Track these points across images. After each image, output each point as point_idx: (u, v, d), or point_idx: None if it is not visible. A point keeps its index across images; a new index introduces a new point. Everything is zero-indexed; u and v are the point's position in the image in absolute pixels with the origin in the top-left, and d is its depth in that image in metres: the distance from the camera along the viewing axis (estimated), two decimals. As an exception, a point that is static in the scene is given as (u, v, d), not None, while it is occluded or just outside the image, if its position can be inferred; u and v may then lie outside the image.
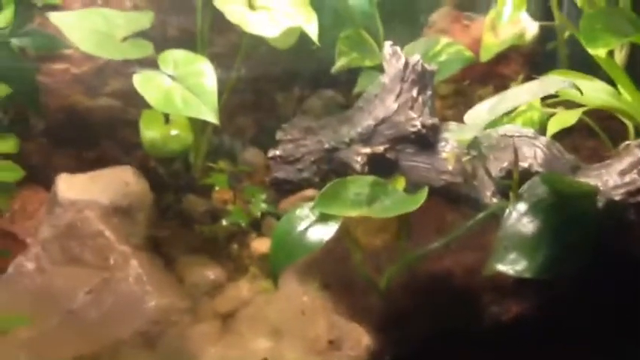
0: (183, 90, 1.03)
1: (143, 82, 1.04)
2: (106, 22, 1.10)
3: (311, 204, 0.88)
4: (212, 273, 1.12)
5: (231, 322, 1.04)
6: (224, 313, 1.06)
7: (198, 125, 1.20)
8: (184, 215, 1.21)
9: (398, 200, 0.88)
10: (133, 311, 1.03)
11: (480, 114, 0.90)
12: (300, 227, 0.86)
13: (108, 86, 1.26)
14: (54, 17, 1.07)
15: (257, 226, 1.17)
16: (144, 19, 1.13)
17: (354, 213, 0.86)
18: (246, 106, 1.35)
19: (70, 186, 1.13)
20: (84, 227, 1.08)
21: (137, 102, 1.25)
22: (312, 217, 0.86)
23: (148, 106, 1.15)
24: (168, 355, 1.01)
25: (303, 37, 1.16)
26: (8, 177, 1.13)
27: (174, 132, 1.17)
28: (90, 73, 1.24)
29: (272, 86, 1.38)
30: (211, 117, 1.01)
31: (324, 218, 0.86)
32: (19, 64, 1.14)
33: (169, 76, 1.05)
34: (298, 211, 0.88)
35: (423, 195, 0.87)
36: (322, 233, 0.85)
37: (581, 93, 0.87)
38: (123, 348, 1.00)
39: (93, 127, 1.26)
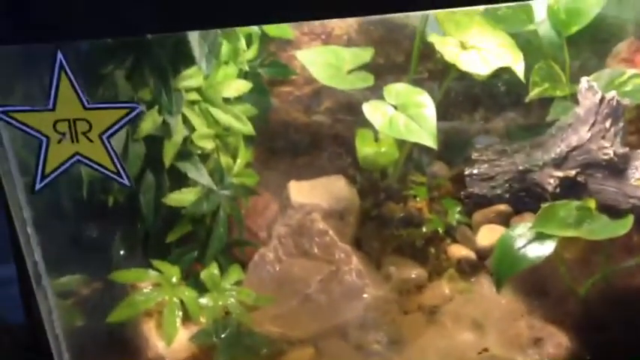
0: (405, 118, 1.23)
1: (371, 110, 1.25)
2: (336, 57, 1.32)
3: (526, 224, 1.05)
4: (414, 272, 1.31)
5: (436, 316, 1.23)
6: (429, 308, 1.25)
7: (399, 143, 1.40)
8: (383, 220, 1.42)
9: (605, 224, 1.02)
10: (354, 299, 1.24)
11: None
12: (520, 244, 1.03)
13: (322, 106, 1.49)
14: (300, 55, 1.30)
15: (451, 234, 1.36)
16: (365, 55, 1.33)
17: (567, 233, 1.01)
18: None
19: (298, 191, 1.36)
20: (312, 227, 1.30)
21: (343, 119, 1.48)
22: (530, 236, 1.03)
23: (353, 123, 1.38)
24: (383, 339, 1.21)
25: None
26: (250, 181, 1.38)
27: (383, 149, 1.37)
28: (309, 94, 1.47)
29: (458, 108, 1.55)
30: (430, 142, 1.20)
31: (540, 237, 1.02)
32: (263, 88, 1.39)
33: (392, 105, 1.25)
34: (517, 230, 1.04)
35: (629, 221, 1.01)
36: (541, 250, 1.01)
37: None
38: (347, 329, 1.22)
39: (304, 139, 1.49)
